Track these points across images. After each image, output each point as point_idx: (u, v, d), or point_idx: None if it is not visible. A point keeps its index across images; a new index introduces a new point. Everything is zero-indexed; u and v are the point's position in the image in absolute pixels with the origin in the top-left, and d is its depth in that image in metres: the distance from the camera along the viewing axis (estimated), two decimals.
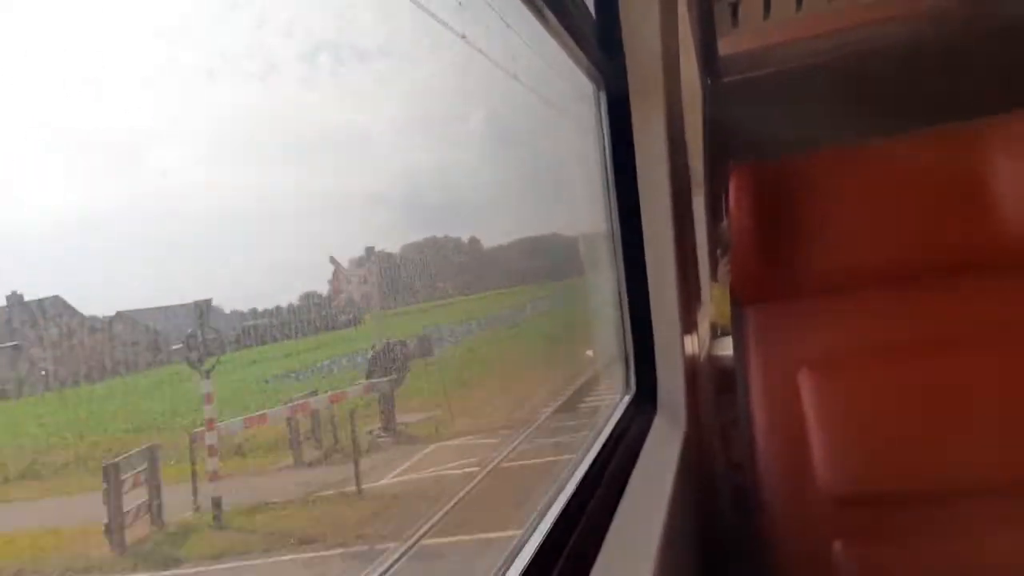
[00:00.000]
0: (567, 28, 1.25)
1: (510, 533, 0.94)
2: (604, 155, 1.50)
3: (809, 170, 1.57)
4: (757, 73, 2.94)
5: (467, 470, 1.61)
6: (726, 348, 1.85)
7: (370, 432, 1.33)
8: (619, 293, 1.54)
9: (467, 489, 1.49)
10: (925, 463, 1.33)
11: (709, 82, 2.73)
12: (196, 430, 0.85)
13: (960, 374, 1.38)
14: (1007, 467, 1.30)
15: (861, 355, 1.45)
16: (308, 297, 0.98)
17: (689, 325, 1.60)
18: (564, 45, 1.31)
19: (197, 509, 0.92)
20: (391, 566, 1.09)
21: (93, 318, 0.61)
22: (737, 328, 1.58)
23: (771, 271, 1.54)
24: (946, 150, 1.53)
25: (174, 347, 0.75)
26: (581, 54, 1.35)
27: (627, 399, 1.51)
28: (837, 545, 1.33)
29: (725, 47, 2.80)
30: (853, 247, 1.52)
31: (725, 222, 1.85)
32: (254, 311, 0.85)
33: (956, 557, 1.28)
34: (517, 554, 0.87)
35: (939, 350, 1.40)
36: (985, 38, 2.79)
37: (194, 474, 0.89)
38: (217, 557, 0.94)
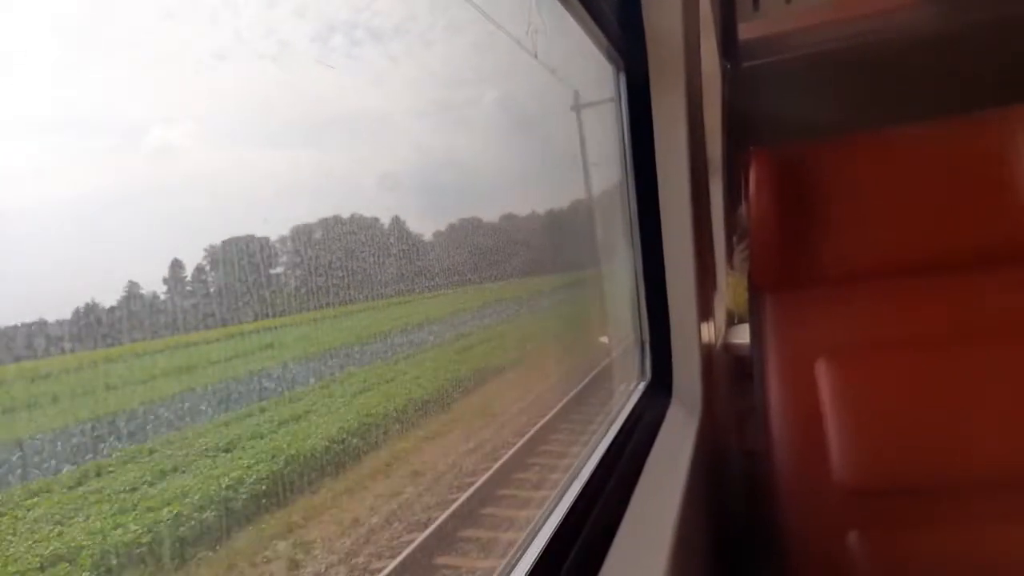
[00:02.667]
0: (588, 8, 1.23)
1: None
2: (623, 138, 1.48)
3: (829, 156, 1.55)
4: (777, 58, 2.89)
5: None
6: (741, 336, 1.83)
7: None
8: (636, 278, 1.52)
9: None
10: (941, 455, 1.32)
11: (729, 66, 2.69)
12: None
13: (978, 366, 1.36)
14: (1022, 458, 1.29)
15: (879, 345, 1.43)
16: None
17: (705, 312, 1.58)
18: (584, 26, 1.29)
19: None
20: None
21: None
22: (754, 316, 1.56)
23: (790, 258, 1.52)
24: (968, 139, 1.50)
25: None
26: (601, 35, 1.33)
27: (642, 385, 1.50)
28: (852, 535, 1.32)
29: (745, 32, 2.76)
30: (872, 236, 1.50)
31: (742, 208, 1.83)
32: None
33: (971, 549, 1.27)
34: (536, 533, 0.86)
35: (957, 341, 1.38)
36: (1012, 26, 2.73)
37: None
38: None
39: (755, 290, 1.58)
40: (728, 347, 1.90)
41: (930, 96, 2.54)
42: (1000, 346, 1.36)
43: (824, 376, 1.43)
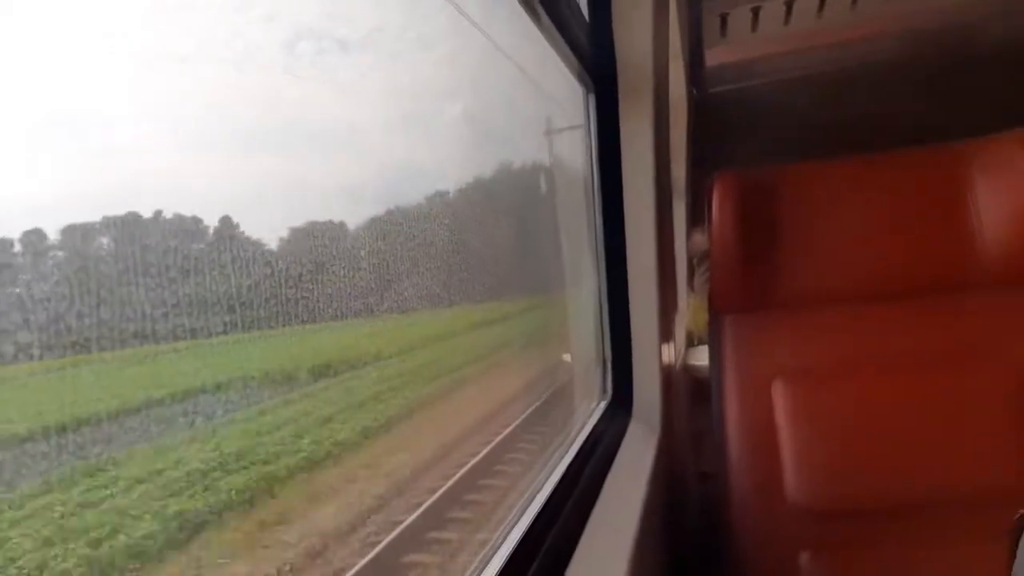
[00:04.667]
0: (560, 29, 1.25)
1: None
2: (591, 160, 1.50)
3: (791, 182, 1.59)
4: (743, 85, 2.97)
5: None
6: (701, 357, 1.86)
7: None
8: (600, 297, 1.54)
9: None
10: (890, 477, 1.36)
11: (695, 91, 2.75)
12: None
13: (926, 392, 1.41)
14: (971, 481, 1.33)
15: (833, 369, 1.47)
16: None
17: (666, 333, 1.61)
18: (556, 46, 1.30)
19: None
20: None
21: None
22: (714, 337, 1.59)
23: (750, 281, 1.56)
24: (923, 171, 1.56)
25: None
26: (573, 58, 1.35)
27: (603, 404, 1.52)
28: (804, 555, 1.35)
29: (712, 58, 2.82)
30: (831, 262, 1.54)
31: (703, 232, 1.87)
32: None
33: (921, 568, 1.30)
34: (493, 555, 0.86)
35: (907, 368, 1.43)
36: (968, 62, 2.85)
37: None
38: None
39: (715, 312, 1.61)
40: (687, 368, 1.93)
41: (888, 127, 2.63)
42: (950, 373, 1.41)
43: (779, 398, 1.46)
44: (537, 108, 1.68)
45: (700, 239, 1.83)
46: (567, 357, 1.72)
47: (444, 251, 1.14)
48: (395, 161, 1.07)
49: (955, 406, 1.39)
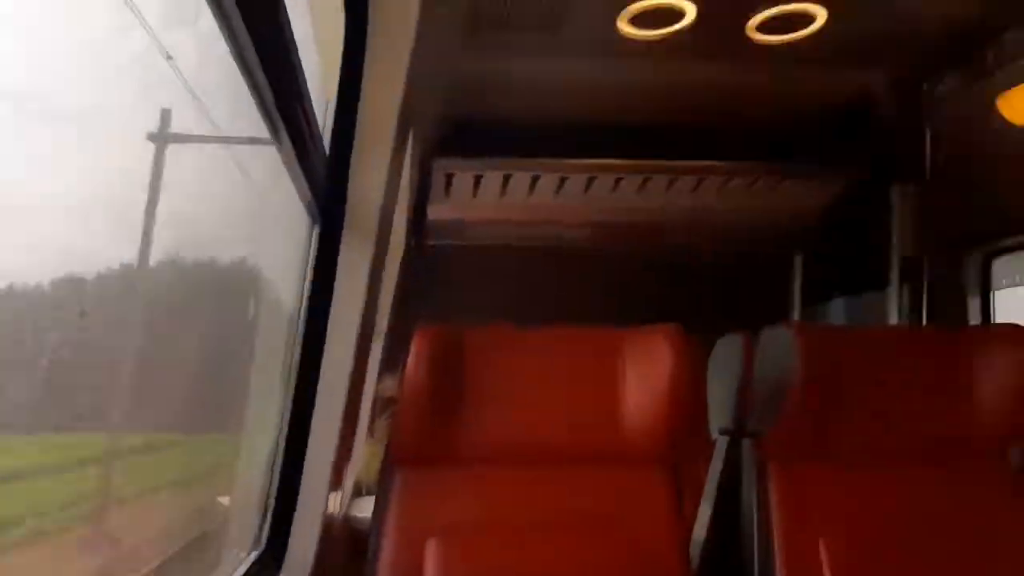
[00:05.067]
0: (299, 157, 1.23)
1: None
2: (303, 293, 1.45)
3: (485, 343, 1.70)
4: (459, 243, 3.18)
5: None
6: (365, 509, 1.82)
7: None
8: (278, 438, 1.43)
9: None
10: None
11: (413, 242, 2.87)
12: None
13: (561, 556, 1.53)
14: None
15: (481, 530, 1.53)
16: None
17: (336, 481, 1.55)
18: (292, 173, 1.27)
19: None
20: None
21: None
22: (381, 489, 1.58)
23: (430, 435, 1.59)
24: (589, 348, 1.76)
25: None
26: (306, 186, 1.33)
27: (254, 555, 1.37)
28: None
29: (435, 212, 3.00)
30: (501, 425, 1.65)
31: (395, 379, 1.89)
32: None
33: None
34: None
35: (549, 531, 1.55)
36: (645, 260, 3.43)
37: None
38: None
39: (388, 463, 1.60)
40: (349, 519, 1.86)
41: (577, 303, 3.01)
42: (579, 538, 1.55)
43: (432, 557, 1.47)
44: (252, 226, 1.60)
45: (390, 386, 1.85)
46: (225, 500, 1.55)
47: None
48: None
49: (583, 571, 1.52)
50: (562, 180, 3.20)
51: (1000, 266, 3.24)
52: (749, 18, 3.18)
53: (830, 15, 3.11)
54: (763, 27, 3.27)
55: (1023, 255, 3.07)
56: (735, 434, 1.91)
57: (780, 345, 1.72)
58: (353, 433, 1.59)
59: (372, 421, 2.16)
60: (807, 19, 3.13)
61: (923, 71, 3.28)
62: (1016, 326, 1.83)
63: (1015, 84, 3.09)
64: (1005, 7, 2.92)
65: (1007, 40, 2.98)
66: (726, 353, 2.05)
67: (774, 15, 3.15)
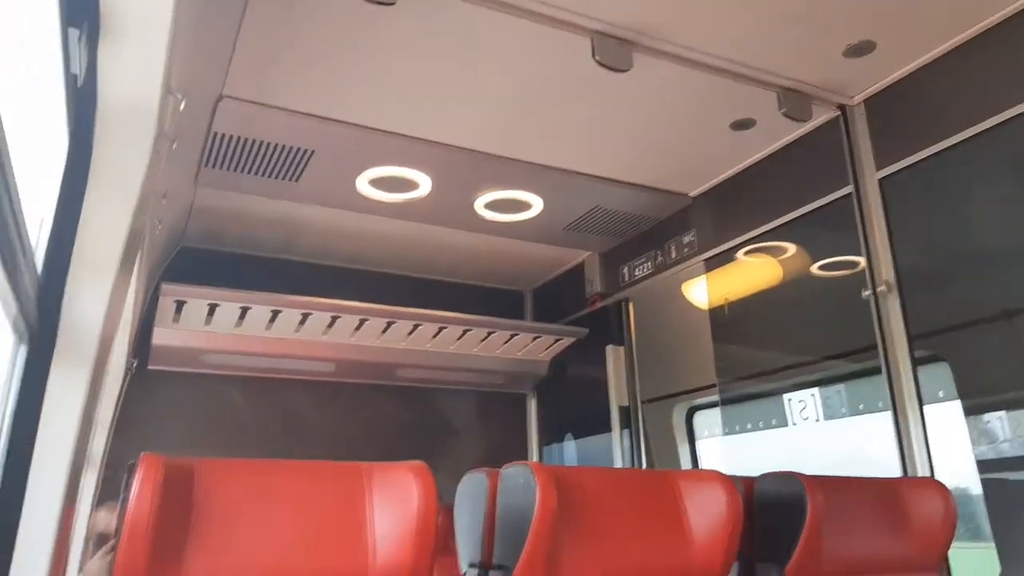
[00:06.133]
0: (6, 268, 1.19)
1: None
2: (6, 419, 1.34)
3: (209, 474, 1.65)
4: (188, 370, 3.04)
5: None
6: None
7: None
8: None
9: None
10: None
11: (135, 364, 2.70)
12: None
13: None
14: None
15: None
16: None
17: None
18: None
19: None
20: None
21: None
22: None
23: (153, 569, 1.49)
24: (333, 484, 1.75)
25: None
26: (13, 302, 1.27)
27: None
28: None
29: (161, 337, 2.87)
30: (227, 558, 1.58)
31: (112, 510, 1.75)
32: None
33: None
34: None
35: None
36: (386, 392, 3.56)
37: None
38: None
39: None
40: None
41: (315, 436, 3.00)
42: None
43: None
44: None
45: (106, 517, 1.70)
46: None
47: None
48: None
49: None
50: (304, 316, 3.26)
51: (700, 419, 3.88)
52: (477, 196, 3.68)
53: (545, 204, 3.74)
54: (490, 206, 3.81)
55: (714, 411, 3.68)
56: (483, 568, 1.99)
57: (522, 482, 1.89)
58: (62, 572, 1.44)
59: (86, 555, 1.94)
60: (525, 205, 3.75)
61: (624, 256, 4.05)
62: (716, 472, 2.16)
63: (693, 276, 3.93)
64: (684, 215, 3.77)
65: (685, 241, 3.82)
66: (473, 488, 2.15)
67: (496, 199, 3.69)
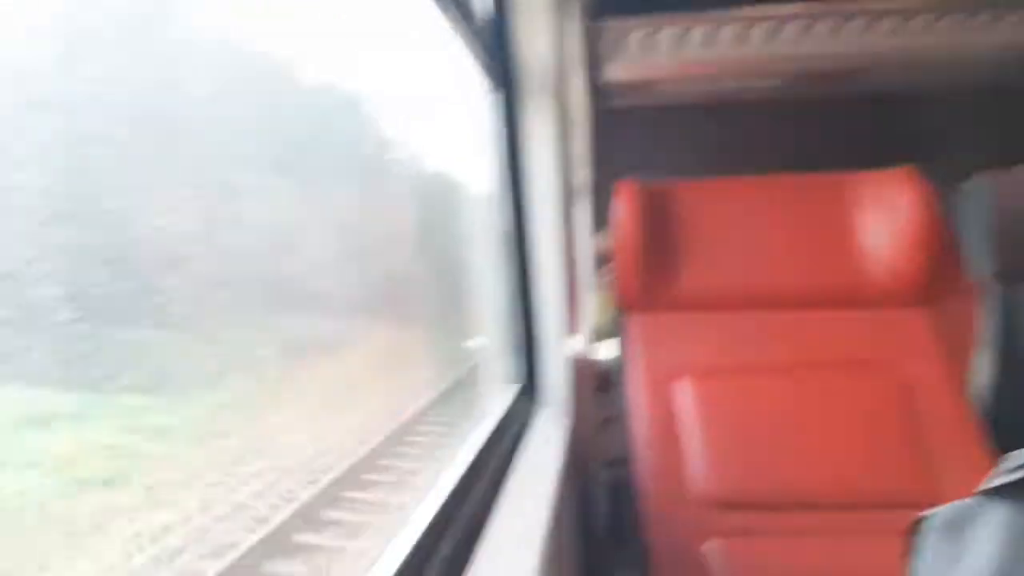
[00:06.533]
0: (468, 25, 1.28)
1: None
2: (499, 158, 1.53)
3: (687, 196, 1.68)
4: (641, 102, 3.09)
5: None
6: (604, 351, 1.92)
7: None
8: (510, 291, 1.56)
9: None
10: (787, 473, 1.43)
11: (597, 100, 2.85)
12: None
13: (813, 393, 1.50)
14: (859, 481, 1.42)
15: (730, 370, 1.55)
16: None
17: (572, 326, 1.65)
18: (466, 42, 1.32)
19: None
20: None
21: None
22: (622, 333, 1.65)
23: (650, 283, 1.63)
24: (814, 195, 1.68)
25: None
26: (481, 54, 1.38)
27: (515, 389, 1.54)
28: (708, 544, 1.39)
29: (613, 72, 2.93)
30: (727, 271, 1.63)
31: (605, 234, 1.94)
32: None
33: (816, 561, 1.35)
34: (401, 531, 0.86)
35: (801, 373, 1.52)
36: (844, 104, 3.09)
37: None
38: None
39: (621, 309, 1.67)
40: (592, 361, 1.98)
41: (774, 154, 2.81)
42: (835, 379, 1.51)
43: (681, 395, 1.52)
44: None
45: (604, 240, 1.90)
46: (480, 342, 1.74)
47: None
48: None
49: (840, 410, 1.48)
50: (745, 30, 2.92)
51: None
52: None
53: None
54: None
55: None
56: (1007, 278, 1.70)
57: None
58: (575, 282, 1.67)
59: (592, 273, 2.25)
60: None
61: None
62: None
63: None
64: None
65: None
66: (976, 194, 1.80)
67: None
